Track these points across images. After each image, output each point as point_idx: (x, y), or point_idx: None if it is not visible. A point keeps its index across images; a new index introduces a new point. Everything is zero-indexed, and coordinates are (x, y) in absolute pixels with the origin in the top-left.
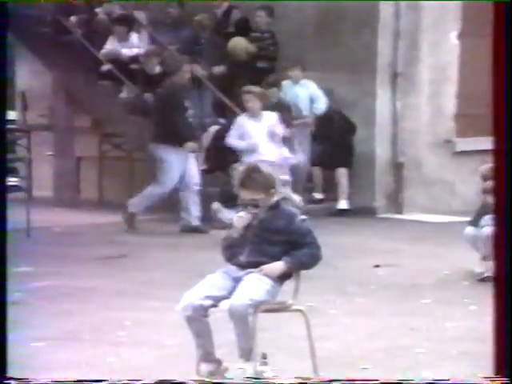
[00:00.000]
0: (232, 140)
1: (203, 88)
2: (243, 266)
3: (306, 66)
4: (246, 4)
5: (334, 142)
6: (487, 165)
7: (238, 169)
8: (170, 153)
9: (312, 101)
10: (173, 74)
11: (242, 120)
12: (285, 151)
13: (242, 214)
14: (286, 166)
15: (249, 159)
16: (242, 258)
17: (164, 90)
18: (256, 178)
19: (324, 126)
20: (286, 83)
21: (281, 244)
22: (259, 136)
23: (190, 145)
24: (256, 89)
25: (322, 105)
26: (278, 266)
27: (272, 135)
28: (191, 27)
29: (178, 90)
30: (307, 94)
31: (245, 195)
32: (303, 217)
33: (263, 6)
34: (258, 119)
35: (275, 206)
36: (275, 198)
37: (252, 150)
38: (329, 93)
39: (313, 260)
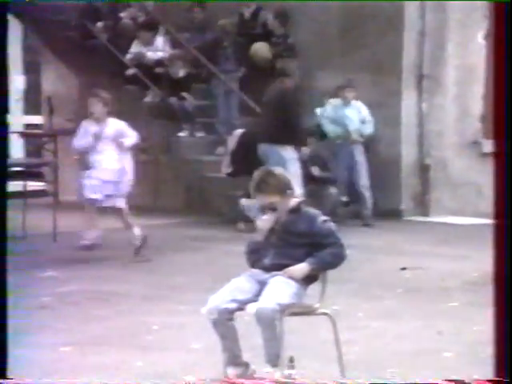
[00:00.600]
0: (74, 143)
1: (229, 90)
2: (268, 269)
3: (330, 67)
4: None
5: None
6: None
7: (254, 174)
8: (291, 153)
9: (363, 122)
10: (286, 76)
11: (86, 125)
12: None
13: (266, 216)
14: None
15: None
16: (267, 261)
17: (280, 93)
18: (270, 182)
19: None
20: (336, 102)
21: (304, 246)
22: (102, 142)
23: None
24: (102, 93)
25: (370, 127)
26: (302, 268)
27: (118, 144)
28: (215, 30)
29: (292, 93)
30: (357, 115)
31: (261, 199)
32: (325, 218)
33: (276, 13)
34: (101, 125)
35: (296, 209)
36: (295, 201)
37: (90, 149)
38: None
39: (337, 259)
